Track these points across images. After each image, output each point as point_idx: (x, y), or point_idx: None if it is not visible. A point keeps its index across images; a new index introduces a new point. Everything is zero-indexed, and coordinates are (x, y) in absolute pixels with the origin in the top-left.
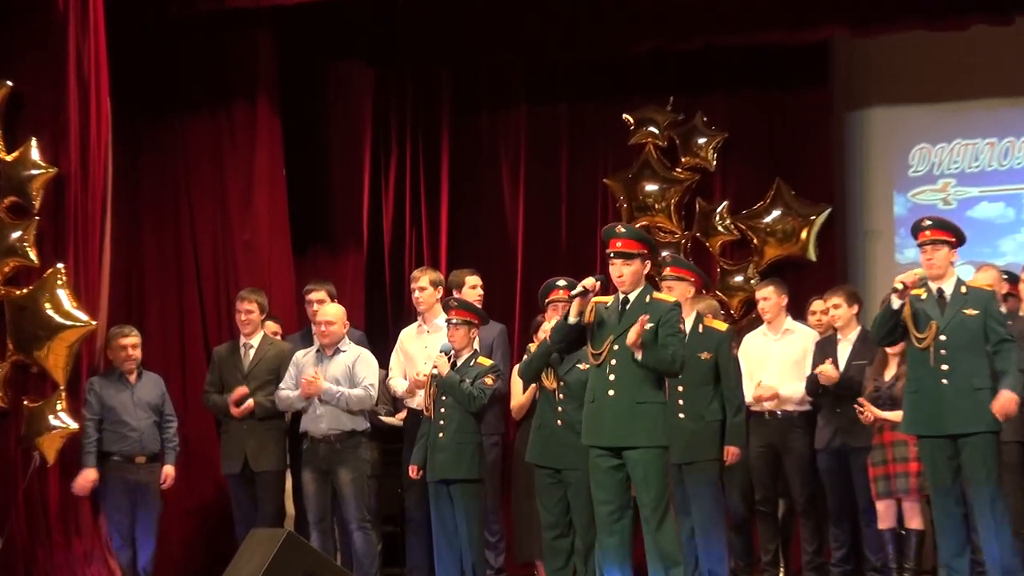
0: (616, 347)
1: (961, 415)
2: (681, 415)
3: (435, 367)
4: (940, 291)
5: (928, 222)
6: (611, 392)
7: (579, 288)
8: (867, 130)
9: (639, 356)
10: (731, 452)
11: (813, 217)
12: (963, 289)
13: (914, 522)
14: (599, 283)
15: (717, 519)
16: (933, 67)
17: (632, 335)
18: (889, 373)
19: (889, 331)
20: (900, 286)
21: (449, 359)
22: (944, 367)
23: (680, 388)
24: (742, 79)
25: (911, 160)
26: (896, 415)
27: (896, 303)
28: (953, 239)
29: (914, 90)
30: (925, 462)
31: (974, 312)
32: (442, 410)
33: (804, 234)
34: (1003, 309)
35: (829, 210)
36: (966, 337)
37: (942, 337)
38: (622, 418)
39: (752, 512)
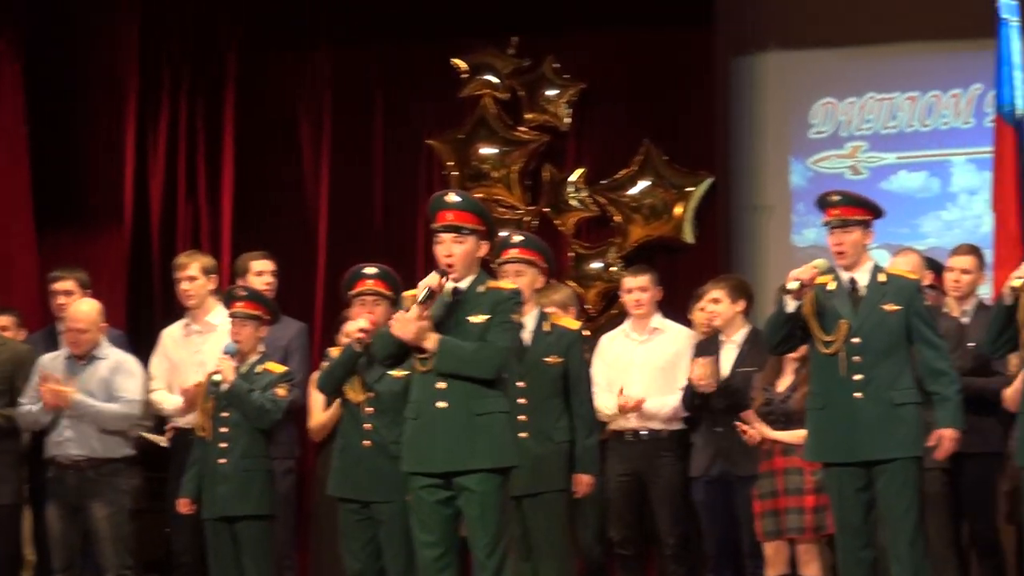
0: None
1: (878, 437)
2: (523, 434)
3: (217, 373)
4: (852, 282)
5: (837, 197)
6: (442, 404)
7: (424, 291)
8: (759, 81)
9: (432, 363)
10: (582, 481)
11: (690, 189)
12: (881, 278)
13: (810, 569)
14: (445, 279)
15: (565, 565)
16: (842, 3)
17: (406, 327)
18: (784, 383)
19: (784, 337)
20: (795, 285)
21: (236, 363)
22: (857, 377)
23: (521, 401)
24: (604, 16)
25: (812, 119)
26: (791, 435)
27: (791, 305)
28: (869, 217)
29: (818, 31)
30: (831, 495)
31: (895, 308)
32: (223, 429)
33: (678, 210)
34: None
35: (710, 180)
36: (885, 340)
37: (855, 340)
38: (458, 436)
39: (609, 556)
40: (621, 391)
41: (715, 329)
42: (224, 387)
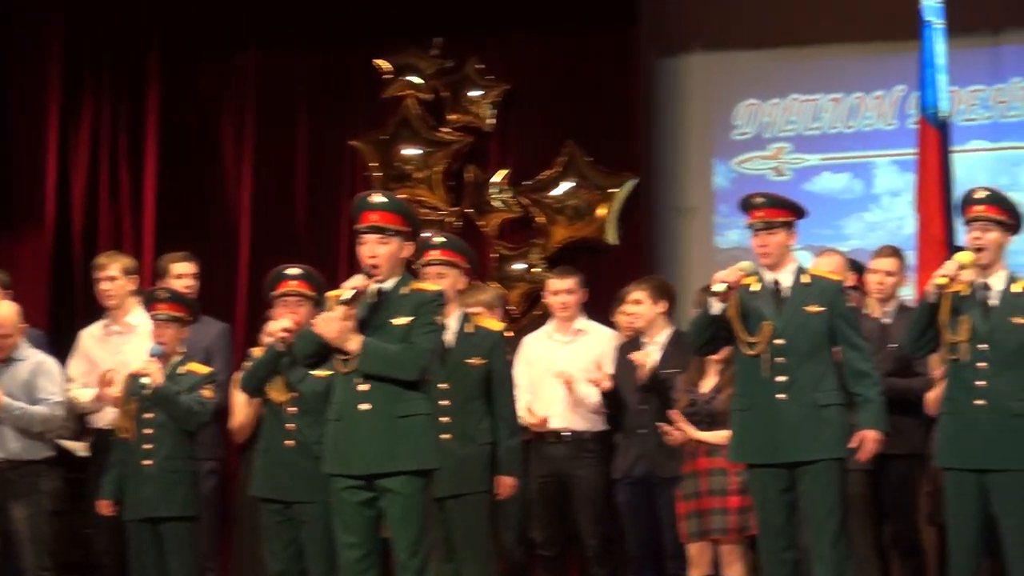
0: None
1: (801, 439)
2: (446, 436)
3: (141, 375)
4: (776, 283)
5: (761, 199)
6: (364, 405)
7: (349, 293)
8: (682, 82)
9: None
10: (505, 483)
11: (613, 190)
12: (805, 279)
13: (733, 570)
14: (370, 280)
15: (487, 566)
16: (766, 4)
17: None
18: (708, 384)
19: (709, 339)
20: (721, 287)
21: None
22: (781, 379)
23: (444, 403)
24: (527, 17)
25: (736, 120)
26: (715, 436)
27: (716, 307)
28: (792, 219)
29: (742, 32)
30: (755, 496)
31: (818, 309)
32: (147, 431)
33: (602, 211)
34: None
35: (634, 182)
36: (808, 341)
37: (778, 341)
38: (379, 438)
39: (531, 557)
40: (529, 409)
41: (638, 331)
42: (151, 390)
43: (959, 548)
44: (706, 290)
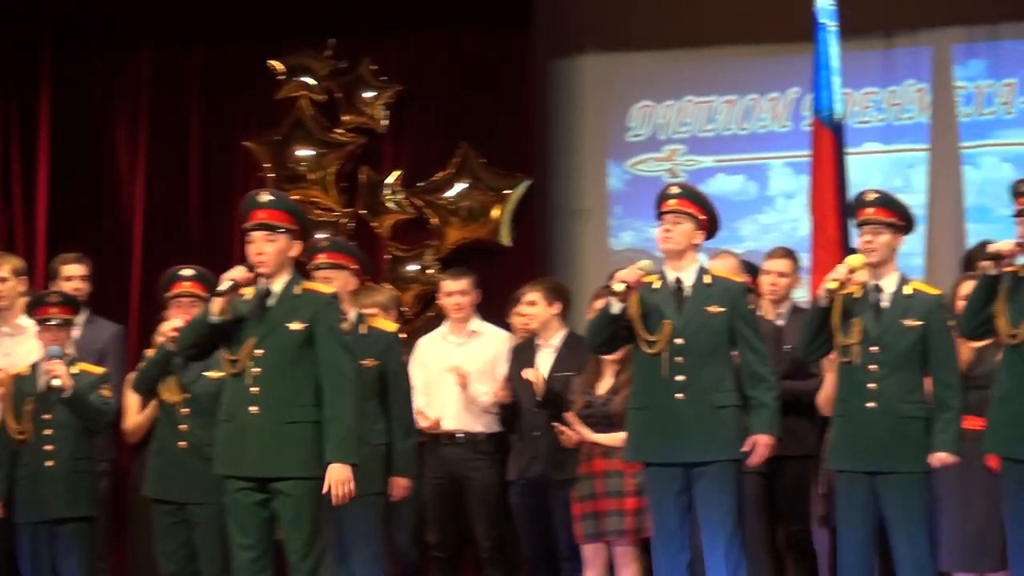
0: (260, 351)
1: (697, 439)
2: None
3: (53, 376)
4: (678, 282)
5: (677, 189)
6: (254, 408)
7: (226, 283)
8: (577, 83)
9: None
10: (399, 484)
11: (507, 192)
12: (707, 279)
13: (628, 571)
14: (253, 275)
15: (381, 567)
16: (660, 6)
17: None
18: (604, 385)
19: (608, 338)
20: (620, 287)
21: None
22: (680, 378)
23: None
24: (421, 18)
25: (630, 122)
26: (610, 438)
27: (616, 307)
28: (703, 217)
29: (636, 34)
30: (650, 496)
31: (719, 310)
32: (47, 432)
33: (496, 212)
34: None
35: (528, 183)
36: (708, 341)
37: (678, 340)
38: (268, 442)
39: (425, 559)
40: (422, 413)
41: (532, 332)
42: (68, 391)
43: (850, 549)
44: (607, 289)
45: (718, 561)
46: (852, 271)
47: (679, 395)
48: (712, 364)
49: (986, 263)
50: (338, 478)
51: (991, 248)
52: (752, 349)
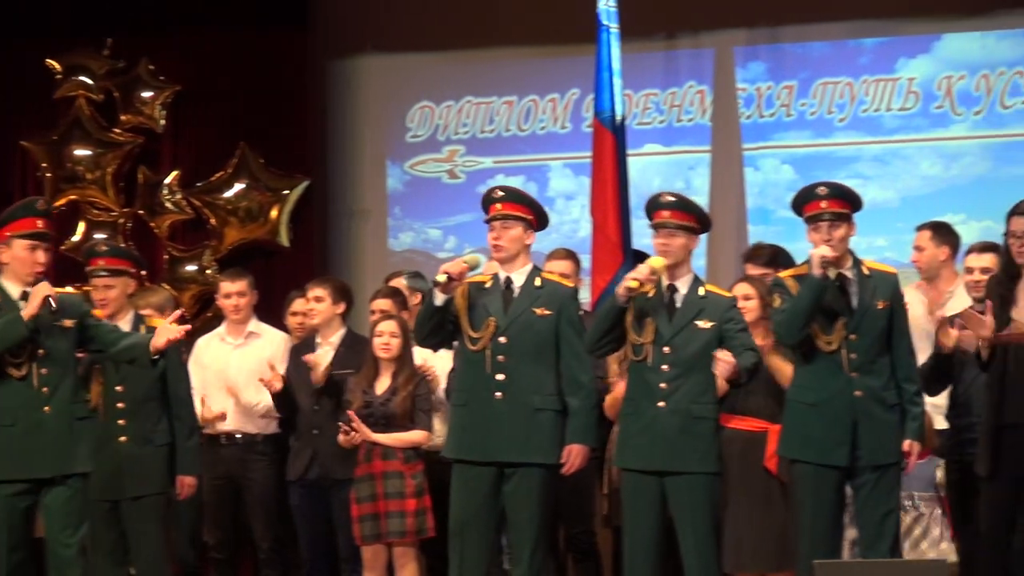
0: (41, 351)
1: (512, 440)
2: (123, 438)
3: None
4: (508, 281)
5: (500, 193)
6: (48, 408)
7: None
8: (356, 84)
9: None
10: (185, 483)
11: (286, 192)
12: (538, 282)
13: (406, 571)
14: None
15: (161, 568)
16: (440, 7)
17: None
18: (382, 385)
19: (432, 329)
20: (443, 278)
21: None
22: (500, 377)
23: (120, 405)
24: (199, 18)
25: (409, 122)
26: (391, 438)
27: (439, 298)
28: (531, 216)
29: (415, 35)
30: (460, 493)
31: (547, 312)
32: None
33: (274, 213)
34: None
35: (306, 184)
36: (532, 342)
37: (502, 339)
38: (61, 439)
39: (204, 559)
40: (204, 402)
41: (313, 329)
42: None
43: (637, 550)
44: (434, 282)
45: (522, 561)
46: (654, 272)
47: (498, 394)
48: (534, 366)
49: (819, 271)
50: None
51: (822, 255)
52: (574, 355)
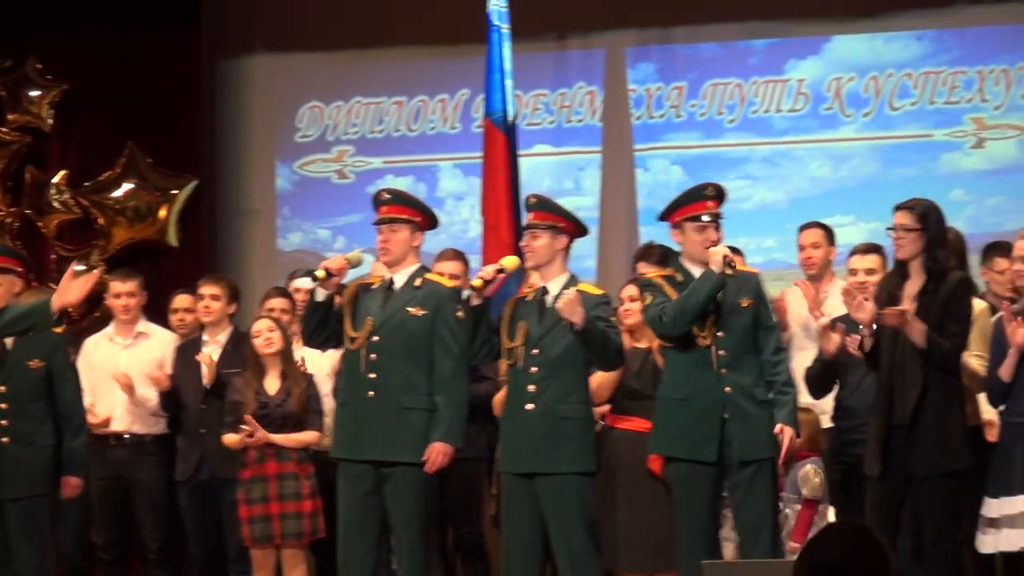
0: None
1: (385, 439)
2: (5, 439)
3: None
4: (390, 282)
5: (387, 195)
6: None
7: None
8: (245, 83)
9: None
10: (70, 483)
11: (175, 192)
12: (418, 282)
13: (296, 572)
14: None
15: (47, 569)
16: (330, 7)
17: None
18: (271, 385)
19: (316, 327)
20: (321, 273)
21: None
22: (372, 376)
23: (3, 406)
24: (88, 16)
25: (299, 122)
26: (287, 439)
27: (320, 294)
28: (418, 218)
29: (305, 35)
30: (341, 492)
31: (422, 312)
32: None
33: (163, 213)
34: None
35: (195, 183)
36: (405, 342)
37: (376, 338)
38: None
39: (91, 560)
40: (92, 411)
41: (194, 328)
42: None
43: (514, 551)
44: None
45: (402, 563)
46: (501, 271)
47: (371, 392)
48: (406, 365)
49: (720, 267)
50: None
51: (725, 253)
52: (447, 353)
